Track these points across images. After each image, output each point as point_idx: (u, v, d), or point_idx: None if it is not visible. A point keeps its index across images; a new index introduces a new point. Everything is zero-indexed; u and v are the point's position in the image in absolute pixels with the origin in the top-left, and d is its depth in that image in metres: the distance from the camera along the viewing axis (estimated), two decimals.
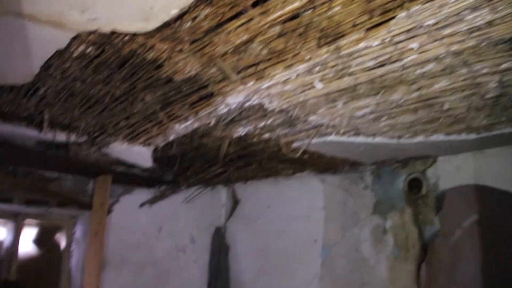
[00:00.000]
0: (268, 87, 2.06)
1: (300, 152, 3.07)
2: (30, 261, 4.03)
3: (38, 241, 4.12)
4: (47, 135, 2.84)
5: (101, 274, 3.54)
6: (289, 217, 4.23)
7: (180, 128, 2.58)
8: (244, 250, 4.58)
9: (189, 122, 2.50)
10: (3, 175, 3.48)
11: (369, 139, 2.86)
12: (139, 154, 3.02)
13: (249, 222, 4.55)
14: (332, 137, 2.82)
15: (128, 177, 3.71)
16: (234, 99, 2.20)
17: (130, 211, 4.13)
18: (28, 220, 3.98)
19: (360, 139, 2.86)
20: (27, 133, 2.85)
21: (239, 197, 4.63)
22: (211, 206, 4.71)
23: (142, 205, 4.19)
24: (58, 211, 3.89)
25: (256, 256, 4.47)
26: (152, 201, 4.20)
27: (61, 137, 2.89)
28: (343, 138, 2.84)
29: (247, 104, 2.27)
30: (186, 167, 3.61)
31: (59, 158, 3.24)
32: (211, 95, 2.20)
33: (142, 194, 4.20)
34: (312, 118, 2.51)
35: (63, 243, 4.20)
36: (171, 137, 2.72)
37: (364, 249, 3.73)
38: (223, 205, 4.79)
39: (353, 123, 2.58)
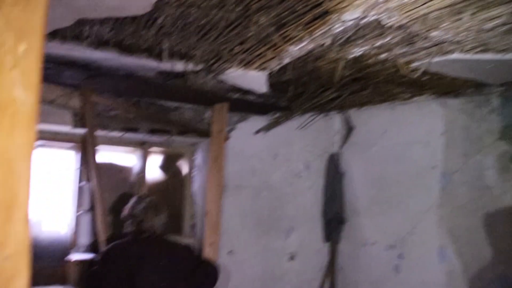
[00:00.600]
0: (387, 0, 1.93)
1: (420, 72, 2.90)
2: (157, 186, 4.35)
3: (163, 167, 4.42)
4: (166, 65, 2.96)
5: (222, 197, 3.73)
6: (406, 143, 4.09)
7: (294, 50, 2.54)
8: (358, 177, 4.55)
9: (303, 44, 2.44)
10: (129, 106, 3.73)
11: (499, 56, 2.60)
12: (254, 80, 3.05)
13: (364, 149, 4.48)
14: (455, 55, 2.61)
15: (244, 104, 3.79)
16: (350, 16, 2.10)
17: (246, 138, 4.26)
18: (153, 148, 4.27)
19: (488, 56, 2.61)
20: (148, 64, 3.00)
21: (354, 123, 4.54)
22: (325, 133, 4.69)
23: (257, 132, 4.29)
24: (179, 139, 4.11)
25: (371, 183, 4.42)
26: (267, 128, 4.28)
27: (179, 66, 2.99)
28: (469, 56, 2.61)
29: (364, 21, 2.16)
30: (299, 92, 3.59)
31: (178, 87, 3.38)
32: (326, 13, 2.12)
33: (257, 121, 4.29)
34: (434, 34, 2.33)
35: (185, 169, 4.48)
36: (286, 60, 2.69)
37: (488, 177, 3.51)
38: (337, 132, 4.74)
39: (481, 38, 2.35)
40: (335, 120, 4.72)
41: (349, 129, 4.57)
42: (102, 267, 2.67)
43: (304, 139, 4.58)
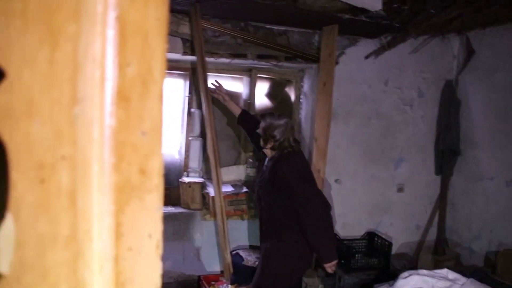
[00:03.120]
0: None
1: None
2: (265, 112, 4.35)
3: (270, 94, 4.40)
4: None
5: (330, 123, 3.65)
6: None
7: None
8: (477, 106, 4.22)
9: None
10: (237, 31, 3.70)
11: None
12: None
13: (485, 75, 4.11)
14: None
15: (354, 26, 3.58)
16: None
17: (356, 63, 4.08)
18: (261, 74, 4.25)
19: None
20: None
21: (474, 47, 4.15)
22: (441, 58, 4.36)
23: (367, 56, 4.08)
24: (287, 65, 4.04)
25: (492, 113, 4.08)
26: (378, 52, 4.05)
27: None
28: None
29: None
30: (416, 11, 3.30)
31: (286, 8, 3.26)
32: None
33: (368, 46, 4.07)
34: None
35: (292, 96, 4.43)
36: None
37: None
38: (455, 57, 4.39)
39: None
40: (453, 44, 4.36)
41: (468, 53, 4.20)
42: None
43: (418, 65, 4.29)
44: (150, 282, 0.50)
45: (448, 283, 2.28)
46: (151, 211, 0.49)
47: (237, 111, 3.46)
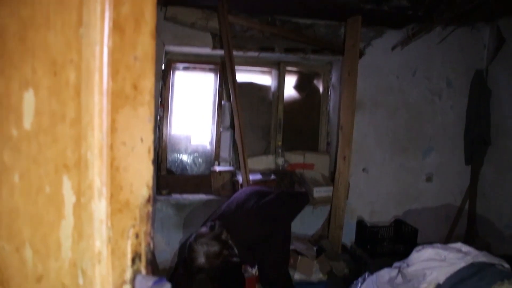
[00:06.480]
0: None
1: None
2: (293, 104, 4.47)
3: (298, 87, 4.50)
4: None
5: (355, 112, 3.72)
6: None
7: None
8: (508, 95, 4.19)
9: None
10: (264, 25, 3.83)
11: None
12: None
13: None
14: None
15: (378, 16, 3.64)
16: None
17: (382, 54, 4.13)
18: (289, 67, 4.36)
19: None
20: None
21: (505, 35, 4.12)
22: (470, 47, 4.35)
23: (394, 47, 4.13)
24: (314, 57, 4.13)
25: None
26: (404, 43, 4.09)
27: None
28: None
29: None
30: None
31: (311, 0, 3.37)
32: None
33: (394, 37, 4.12)
34: None
35: (320, 88, 4.52)
36: None
37: None
38: (485, 46, 4.36)
39: None
40: (483, 33, 4.33)
41: (499, 42, 4.17)
42: None
43: (446, 55, 4.30)
44: (141, 177, 0.63)
45: (460, 255, 2.33)
46: (143, 120, 0.63)
47: None
